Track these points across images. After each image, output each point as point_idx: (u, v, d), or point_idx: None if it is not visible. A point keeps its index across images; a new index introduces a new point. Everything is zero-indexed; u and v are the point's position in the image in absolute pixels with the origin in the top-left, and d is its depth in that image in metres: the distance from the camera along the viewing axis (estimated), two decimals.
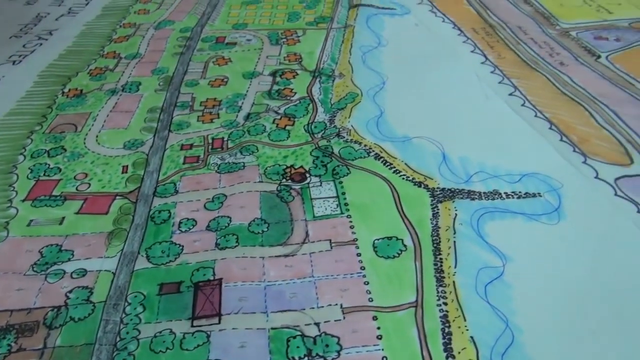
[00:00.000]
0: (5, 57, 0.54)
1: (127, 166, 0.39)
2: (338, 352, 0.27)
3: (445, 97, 0.45)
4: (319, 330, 0.28)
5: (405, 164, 0.38)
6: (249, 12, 0.62)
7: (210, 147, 0.41)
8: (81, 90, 0.49)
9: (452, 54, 0.52)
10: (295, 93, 0.47)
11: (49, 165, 0.40)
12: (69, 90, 0.49)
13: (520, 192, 0.35)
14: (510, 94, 0.45)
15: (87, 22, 0.61)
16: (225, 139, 0.42)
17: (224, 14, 0.62)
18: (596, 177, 0.36)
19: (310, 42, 0.55)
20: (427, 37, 0.55)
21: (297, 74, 0.50)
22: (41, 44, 0.57)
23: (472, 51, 0.52)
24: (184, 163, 0.40)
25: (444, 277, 0.30)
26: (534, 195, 0.35)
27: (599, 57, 0.49)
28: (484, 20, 0.58)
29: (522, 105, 0.43)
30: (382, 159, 0.39)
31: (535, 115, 0.42)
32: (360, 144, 0.41)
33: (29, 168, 0.40)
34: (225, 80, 0.49)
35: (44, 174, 0.39)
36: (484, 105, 0.44)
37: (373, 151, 0.40)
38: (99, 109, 0.46)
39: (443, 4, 0.61)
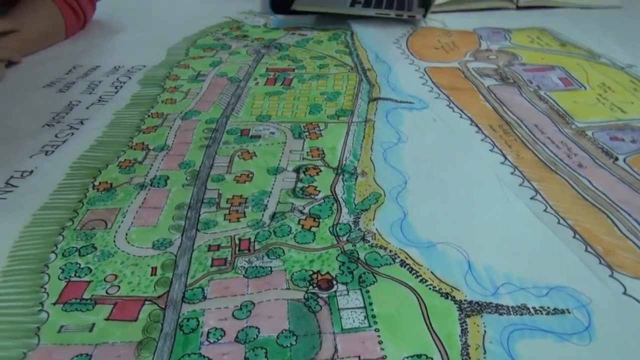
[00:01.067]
0: (38, 147, 0.56)
1: (155, 268, 0.40)
2: None
3: (467, 199, 0.46)
4: None
5: (432, 272, 0.39)
6: (272, 104, 0.64)
7: (237, 248, 0.42)
8: (111, 184, 0.50)
9: (472, 153, 0.53)
10: (319, 191, 0.48)
11: (80, 265, 0.41)
12: (100, 183, 0.50)
13: (548, 307, 0.35)
14: (532, 198, 0.46)
15: (117, 110, 0.64)
16: (252, 240, 0.43)
17: (247, 105, 0.64)
18: (624, 294, 0.36)
19: (332, 136, 0.57)
20: (445, 134, 0.57)
21: (321, 171, 0.51)
22: (72, 134, 0.59)
23: (490, 150, 0.53)
24: (211, 266, 0.40)
25: None
26: (562, 312, 0.35)
27: (617, 159, 0.51)
28: (501, 117, 0.59)
29: (544, 210, 0.44)
30: (408, 267, 0.39)
31: (558, 222, 0.43)
32: (385, 249, 0.41)
33: (60, 268, 0.40)
34: (251, 175, 0.51)
35: (75, 275, 0.40)
36: (506, 209, 0.45)
37: (399, 257, 0.40)
38: (128, 204, 0.47)
39: (460, 99, 0.64)
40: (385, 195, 0.47)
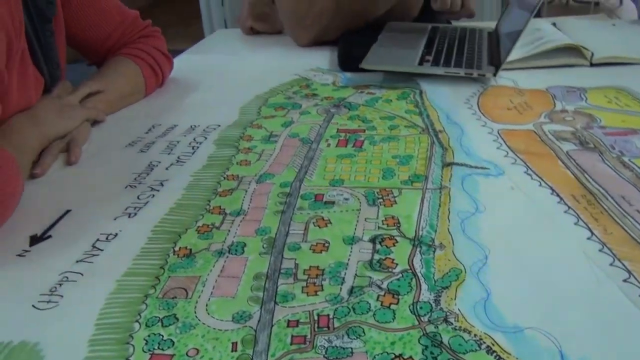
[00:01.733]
0: (122, 209, 0.58)
1: (236, 343, 0.40)
2: None
3: (553, 278, 0.44)
4: None
5: None
6: (344, 167, 0.65)
7: (316, 325, 0.42)
8: (190, 250, 0.51)
9: (555, 226, 0.51)
10: (397, 264, 0.48)
11: (163, 336, 0.41)
12: (179, 249, 0.52)
13: None
14: (625, 280, 0.43)
15: (195, 172, 0.66)
16: (331, 316, 0.42)
17: (320, 168, 0.65)
18: None
19: (406, 204, 0.57)
20: (525, 204, 0.55)
21: (397, 242, 0.51)
22: (153, 195, 0.61)
23: (575, 223, 0.51)
24: (291, 344, 0.40)
25: None
26: None
27: None
28: (583, 186, 0.57)
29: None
30: (495, 354, 0.38)
31: None
32: (469, 332, 0.40)
33: (144, 339, 0.41)
34: (327, 245, 0.51)
35: (158, 347, 0.40)
36: (596, 292, 0.43)
37: (484, 343, 0.39)
38: (207, 272, 0.48)
39: (538, 166, 0.62)
40: (465, 272, 0.46)
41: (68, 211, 0.58)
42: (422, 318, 0.41)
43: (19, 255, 0.52)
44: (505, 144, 0.68)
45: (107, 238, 0.54)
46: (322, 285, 0.46)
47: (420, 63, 0.92)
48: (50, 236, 0.55)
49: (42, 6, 0.69)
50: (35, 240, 0.54)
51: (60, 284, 0.48)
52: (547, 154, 0.64)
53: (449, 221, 0.53)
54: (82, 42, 0.88)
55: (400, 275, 0.46)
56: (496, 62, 0.91)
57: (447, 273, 0.46)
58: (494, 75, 0.87)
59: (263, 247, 0.51)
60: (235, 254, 0.50)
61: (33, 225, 0.56)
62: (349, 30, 1.10)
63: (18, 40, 0.63)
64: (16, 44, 0.63)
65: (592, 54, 0.93)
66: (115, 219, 0.57)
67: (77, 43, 0.88)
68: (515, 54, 0.91)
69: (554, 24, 1.09)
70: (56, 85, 0.77)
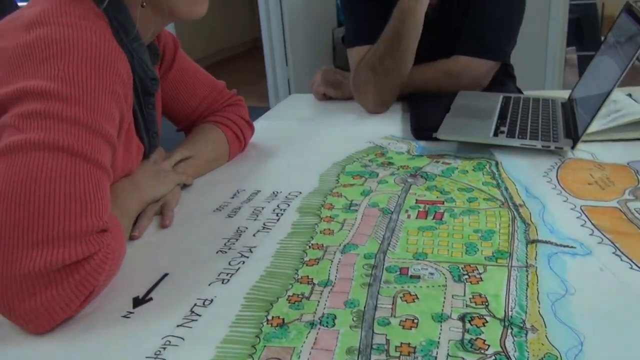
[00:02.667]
0: (215, 274, 0.62)
1: None
2: None
3: None
4: None
5: None
6: (426, 240, 0.66)
7: None
8: (283, 320, 0.53)
9: None
10: (489, 346, 0.48)
11: None
12: (272, 318, 0.54)
13: None
14: None
15: (281, 239, 0.69)
16: None
17: (402, 240, 0.67)
18: None
19: (493, 282, 0.57)
20: (616, 287, 0.55)
21: (487, 321, 0.51)
22: (244, 262, 0.64)
23: None
24: None
25: None
26: None
27: None
28: None
29: None
30: None
31: None
32: None
33: None
34: (416, 321, 0.52)
35: None
36: None
37: None
38: (301, 344, 0.50)
39: (627, 246, 0.61)
40: (561, 358, 0.46)
41: (166, 274, 0.62)
42: None
43: (124, 316, 0.56)
44: (590, 221, 0.67)
45: (203, 303, 0.57)
46: None
47: (495, 134, 0.93)
48: (151, 299, 0.58)
49: (147, 82, 0.76)
50: (138, 302, 0.58)
51: (164, 348, 0.51)
52: (635, 234, 0.64)
53: (539, 303, 0.53)
54: (174, 112, 0.96)
55: (493, 357, 0.47)
56: (573, 134, 0.91)
57: (542, 358, 0.46)
58: (572, 148, 0.88)
59: (353, 320, 0.53)
60: (327, 326, 0.52)
61: (135, 287, 0.60)
62: (416, 97, 1.13)
63: (128, 115, 0.70)
64: (127, 119, 0.69)
65: None
66: (209, 285, 0.60)
67: (169, 112, 0.96)
68: (592, 126, 0.91)
69: (630, 95, 1.08)
70: (153, 151, 0.83)
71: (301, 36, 3.96)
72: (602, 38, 3.66)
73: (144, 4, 0.73)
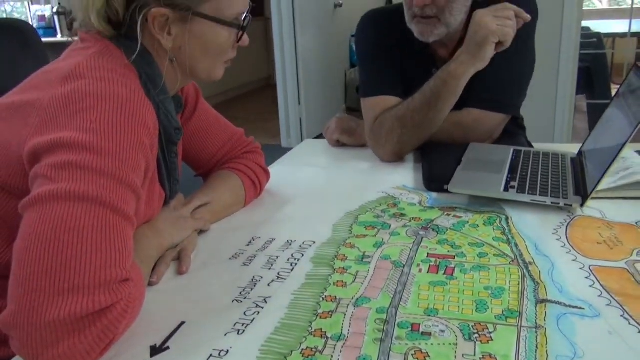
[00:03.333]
0: (231, 324, 0.64)
1: None
2: None
3: None
4: None
5: None
6: (437, 296, 0.68)
7: None
8: None
9: None
10: None
11: None
12: None
13: None
14: None
15: (295, 290, 0.71)
16: None
17: (414, 294, 0.68)
18: None
19: (503, 342, 0.58)
20: (626, 352, 0.56)
21: None
22: (258, 312, 0.66)
23: None
24: None
25: None
26: None
27: None
28: None
29: None
30: None
31: None
32: None
33: None
34: None
35: None
36: None
37: None
38: None
39: (635, 310, 0.62)
40: None
41: (183, 323, 0.64)
42: None
43: None
44: (599, 282, 0.69)
45: (219, 354, 0.58)
46: None
47: (506, 189, 0.95)
48: (168, 347, 0.60)
49: (171, 132, 0.80)
50: (155, 351, 0.60)
51: None
52: None
53: None
54: (193, 158, 0.99)
55: None
56: (582, 191, 0.93)
57: None
58: (581, 205, 0.89)
59: None
60: None
61: (152, 334, 0.62)
62: (428, 147, 1.16)
63: (152, 164, 0.73)
64: (151, 168, 0.72)
65: None
66: (225, 335, 0.62)
67: (189, 158, 0.99)
68: (601, 184, 0.93)
69: (639, 152, 1.11)
70: (174, 197, 0.86)
71: (314, 76, 4.04)
72: (612, 87, 3.72)
73: (173, 59, 0.77)
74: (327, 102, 4.28)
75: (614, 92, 3.67)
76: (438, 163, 1.10)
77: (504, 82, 1.20)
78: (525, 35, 1.21)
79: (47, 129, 0.64)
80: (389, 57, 1.25)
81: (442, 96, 1.11)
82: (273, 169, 1.16)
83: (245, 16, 0.81)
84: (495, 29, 1.04)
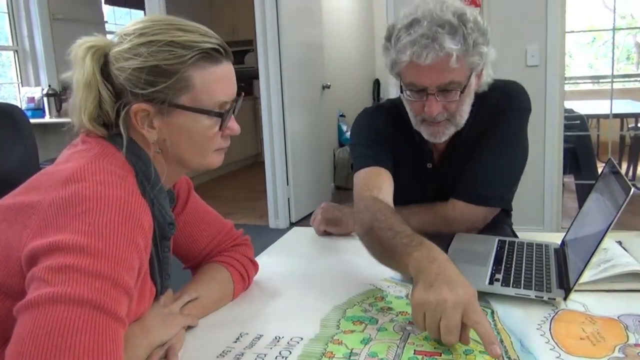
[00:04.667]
0: None
1: None
2: None
3: None
4: None
5: None
6: None
7: None
8: None
9: None
10: None
11: None
12: None
13: None
14: None
15: None
16: None
17: None
18: None
19: None
20: None
21: None
22: None
23: None
24: None
25: None
26: None
27: None
28: None
29: None
30: None
31: None
32: None
33: None
34: None
35: None
36: None
37: None
38: None
39: None
40: None
41: None
42: None
43: None
44: None
45: None
46: None
47: (491, 281, 1.00)
48: None
49: (165, 227, 0.84)
50: None
51: None
52: None
53: None
54: (183, 252, 1.04)
55: None
56: (565, 284, 0.98)
57: None
58: (565, 299, 0.94)
59: None
60: None
61: None
62: None
63: (145, 264, 0.77)
64: (144, 267, 0.76)
65: None
66: None
67: (178, 251, 1.03)
68: (583, 276, 0.97)
69: (620, 243, 1.16)
70: (164, 292, 0.89)
71: (303, 156, 4.15)
72: (599, 165, 3.86)
73: (159, 150, 0.84)
74: (316, 181, 4.37)
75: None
76: None
77: (492, 176, 1.26)
78: (517, 128, 1.29)
79: (45, 231, 0.69)
80: (386, 143, 1.31)
81: (394, 260, 0.97)
82: (261, 259, 1.19)
83: (229, 105, 0.86)
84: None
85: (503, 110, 1.27)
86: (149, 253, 0.79)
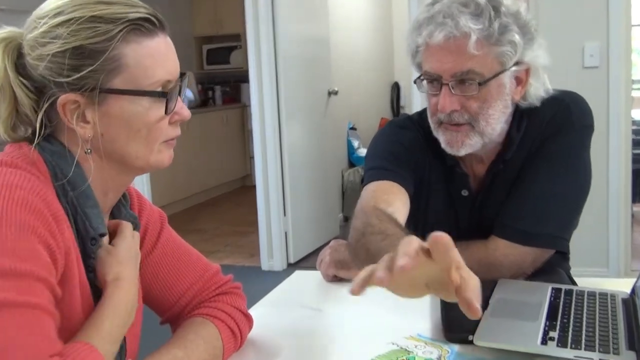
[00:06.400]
0: None
1: None
2: None
3: None
4: None
5: None
6: None
7: None
8: None
9: None
10: None
11: None
12: None
13: None
14: None
15: None
16: None
17: None
18: None
19: None
20: None
21: None
22: None
23: None
24: None
25: None
26: None
27: None
28: None
29: None
30: None
31: None
32: None
33: None
34: None
35: None
36: None
37: None
38: None
39: None
40: None
41: None
42: None
43: None
44: None
45: None
46: None
47: (544, 341, 1.01)
48: None
49: (87, 242, 0.88)
50: None
51: None
52: None
53: None
54: (157, 300, 1.06)
55: None
56: (637, 345, 0.99)
57: None
58: None
59: None
60: None
61: None
62: None
63: (65, 258, 0.82)
64: (63, 258, 0.81)
65: None
66: None
67: (151, 300, 1.06)
68: None
69: None
70: None
71: (303, 179, 4.17)
72: None
73: (89, 149, 0.87)
74: (320, 211, 4.38)
75: None
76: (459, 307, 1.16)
77: (544, 208, 1.28)
78: (576, 151, 1.30)
79: None
80: (412, 162, 1.33)
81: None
82: (255, 311, 1.21)
83: (174, 85, 0.89)
84: None
85: (559, 128, 1.29)
86: (69, 251, 0.83)
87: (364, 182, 1.36)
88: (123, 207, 0.97)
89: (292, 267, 3.90)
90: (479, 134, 1.23)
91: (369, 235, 1.05)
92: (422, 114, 1.38)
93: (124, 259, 0.90)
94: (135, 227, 0.95)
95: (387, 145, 1.38)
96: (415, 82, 1.26)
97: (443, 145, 1.27)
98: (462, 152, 1.25)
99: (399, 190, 1.28)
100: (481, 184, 1.36)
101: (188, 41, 6.54)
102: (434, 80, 1.21)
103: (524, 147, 1.29)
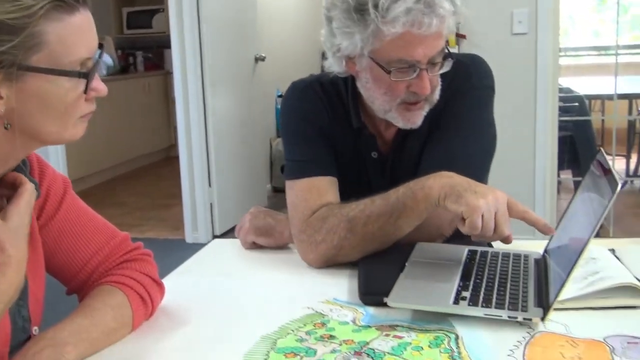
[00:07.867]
0: None
1: None
2: None
3: None
4: None
5: None
6: None
7: None
8: None
9: None
10: None
11: None
12: None
13: None
14: None
15: None
16: None
17: None
18: None
19: None
20: None
21: None
22: None
23: None
24: None
25: None
26: None
27: None
28: None
29: None
30: None
31: None
32: None
33: None
34: None
35: None
36: None
37: None
38: None
39: None
40: None
41: None
42: None
43: None
44: None
45: None
46: None
47: (456, 301, 1.06)
48: None
49: None
50: None
51: None
52: None
53: None
54: (61, 268, 1.06)
55: None
56: (544, 302, 1.05)
57: None
58: (542, 320, 1.01)
59: None
60: None
61: None
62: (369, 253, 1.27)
63: None
64: None
65: None
66: None
67: (55, 269, 1.06)
68: (566, 291, 1.05)
69: (613, 251, 1.25)
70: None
71: (229, 148, 4.17)
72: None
73: (7, 125, 0.86)
74: (247, 182, 4.40)
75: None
76: (377, 270, 1.20)
77: (457, 164, 1.33)
78: (477, 111, 1.37)
79: None
80: (322, 134, 1.38)
81: (406, 211, 1.21)
82: (170, 280, 1.22)
83: (91, 62, 0.90)
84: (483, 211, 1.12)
85: (459, 89, 1.36)
86: None
87: (287, 171, 1.40)
88: (23, 173, 0.96)
89: (218, 239, 3.90)
90: (429, 104, 1.31)
91: (364, 213, 1.25)
92: (328, 77, 1.40)
93: (13, 238, 0.89)
94: (36, 195, 0.94)
95: (299, 124, 1.42)
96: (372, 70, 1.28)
97: (400, 124, 1.32)
98: (417, 125, 1.31)
99: (329, 183, 1.35)
100: (391, 146, 1.40)
101: (106, 3, 6.36)
102: (408, 67, 1.24)
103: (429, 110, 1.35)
